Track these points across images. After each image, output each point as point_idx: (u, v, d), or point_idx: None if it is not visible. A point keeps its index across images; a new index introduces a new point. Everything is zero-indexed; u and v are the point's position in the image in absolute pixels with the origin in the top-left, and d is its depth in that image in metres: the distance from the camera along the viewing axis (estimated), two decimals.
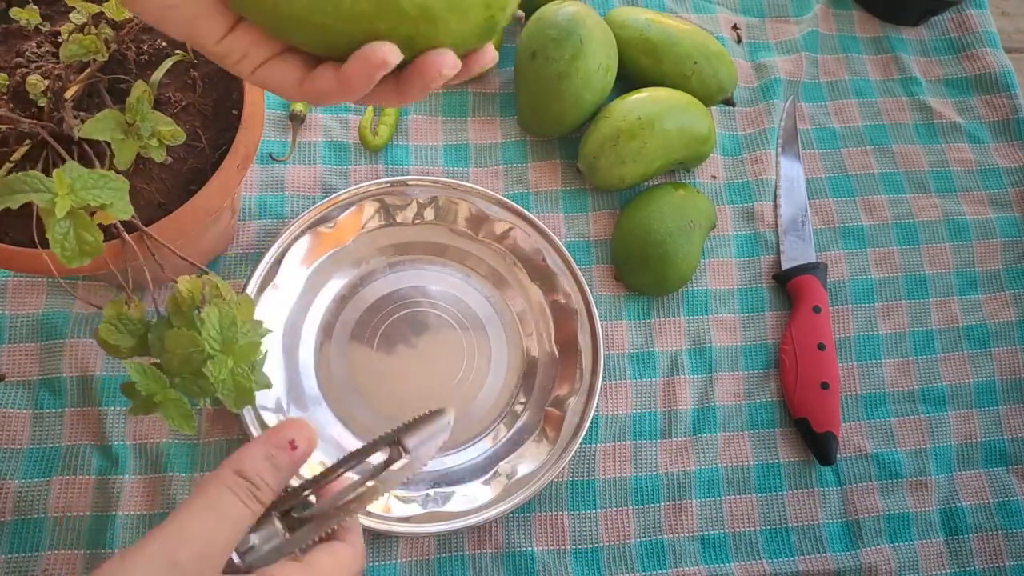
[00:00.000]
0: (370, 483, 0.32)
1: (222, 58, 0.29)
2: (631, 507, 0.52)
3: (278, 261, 0.53)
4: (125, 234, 0.39)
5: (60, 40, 0.43)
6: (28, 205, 0.39)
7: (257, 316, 0.51)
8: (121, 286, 0.39)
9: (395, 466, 0.33)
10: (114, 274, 0.40)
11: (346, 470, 0.33)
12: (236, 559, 0.29)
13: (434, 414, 0.35)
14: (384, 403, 0.52)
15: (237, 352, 0.35)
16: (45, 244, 0.39)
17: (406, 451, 0.33)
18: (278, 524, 0.31)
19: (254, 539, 0.30)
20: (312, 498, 0.32)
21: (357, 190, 0.55)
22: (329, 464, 0.33)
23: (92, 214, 0.33)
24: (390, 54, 0.26)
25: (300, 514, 0.31)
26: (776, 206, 0.62)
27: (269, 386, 0.38)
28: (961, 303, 0.60)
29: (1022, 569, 0.54)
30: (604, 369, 0.54)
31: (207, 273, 0.38)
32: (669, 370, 0.56)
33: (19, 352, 0.50)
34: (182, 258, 0.40)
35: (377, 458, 0.33)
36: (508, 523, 0.51)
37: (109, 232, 0.38)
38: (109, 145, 0.41)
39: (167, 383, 0.35)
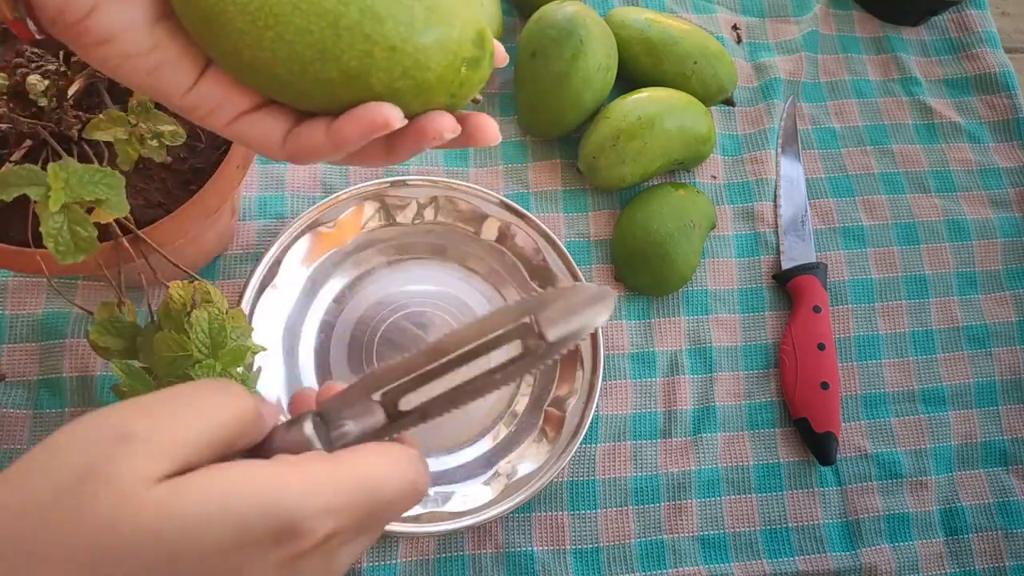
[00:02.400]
0: (498, 375, 0.26)
1: (190, 111, 0.26)
2: (631, 507, 0.52)
3: (278, 261, 0.53)
4: (120, 235, 0.39)
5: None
6: (25, 204, 0.39)
7: (257, 316, 0.51)
8: (129, 287, 0.39)
9: (527, 358, 0.26)
10: (117, 274, 0.40)
11: (467, 360, 0.26)
12: (317, 444, 0.25)
13: (578, 286, 0.26)
14: None
15: (224, 357, 0.35)
16: (39, 243, 0.39)
17: (544, 339, 0.25)
18: (378, 408, 0.25)
19: (348, 421, 0.25)
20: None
21: (357, 190, 0.55)
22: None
23: (89, 212, 0.33)
24: (394, 118, 0.25)
25: (405, 403, 0.26)
26: (776, 206, 0.62)
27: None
28: (961, 303, 0.60)
29: (1022, 569, 0.54)
30: (604, 369, 0.54)
31: (198, 280, 0.38)
32: (669, 370, 0.56)
33: (19, 352, 0.50)
34: (173, 264, 0.40)
35: (509, 349, 0.26)
36: (508, 523, 0.51)
37: (104, 234, 0.38)
38: (108, 145, 0.41)
39: (152, 384, 0.35)
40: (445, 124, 0.26)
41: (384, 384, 0.26)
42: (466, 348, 0.26)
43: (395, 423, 0.26)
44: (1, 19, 0.24)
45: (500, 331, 0.26)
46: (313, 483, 0.21)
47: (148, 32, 0.24)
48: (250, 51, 0.24)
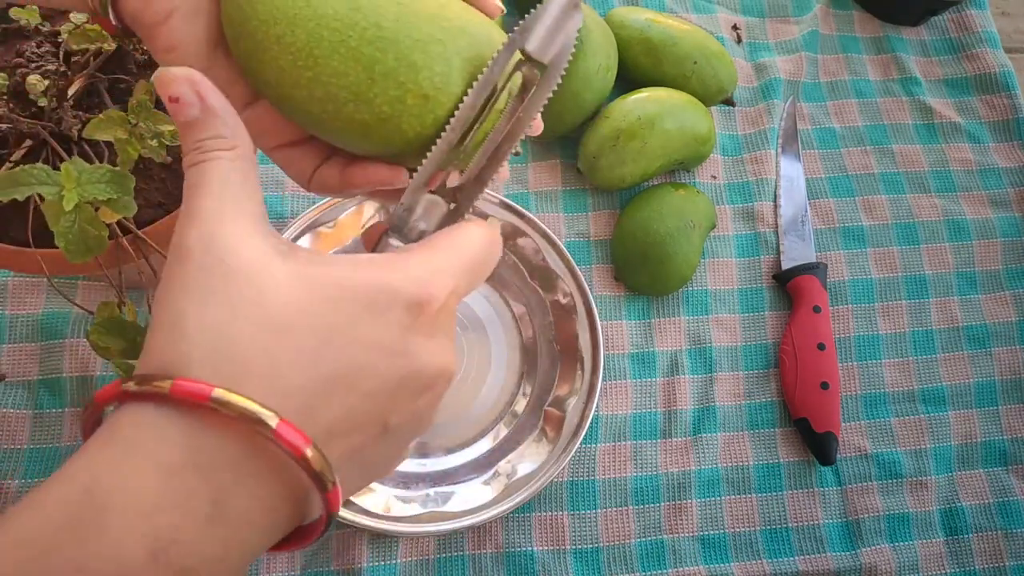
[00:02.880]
0: (518, 114, 0.27)
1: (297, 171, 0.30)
2: (631, 507, 0.52)
3: None
4: (120, 234, 0.39)
5: (60, 40, 0.43)
6: (25, 204, 0.39)
7: None
8: (129, 287, 0.39)
9: (535, 87, 0.27)
10: (117, 274, 0.40)
11: (480, 115, 0.27)
12: (395, 243, 0.27)
13: (545, 3, 0.27)
14: None
15: None
16: (39, 243, 0.39)
17: (538, 60, 0.27)
18: (434, 197, 0.27)
19: (419, 221, 0.27)
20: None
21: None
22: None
23: (96, 210, 0.33)
24: (397, 180, 0.28)
25: (452, 180, 0.27)
26: (776, 206, 0.62)
27: None
28: (961, 303, 0.60)
29: (1022, 569, 0.54)
30: (604, 369, 0.54)
31: None
32: (669, 370, 0.56)
33: (19, 352, 0.50)
34: None
35: (511, 82, 0.27)
36: (508, 523, 0.51)
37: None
38: (108, 145, 0.41)
39: None
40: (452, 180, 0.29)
41: (429, 175, 0.27)
42: (477, 101, 0.27)
43: (459, 203, 0.27)
44: (90, 10, 0.26)
45: (498, 77, 0.27)
46: (427, 259, 0.24)
47: (207, 52, 0.28)
48: (289, 88, 0.26)
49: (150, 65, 0.44)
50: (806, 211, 0.61)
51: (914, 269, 0.61)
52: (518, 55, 0.27)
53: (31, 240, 0.39)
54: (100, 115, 0.36)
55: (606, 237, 0.59)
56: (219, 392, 0.19)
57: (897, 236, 0.62)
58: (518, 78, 0.27)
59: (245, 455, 0.20)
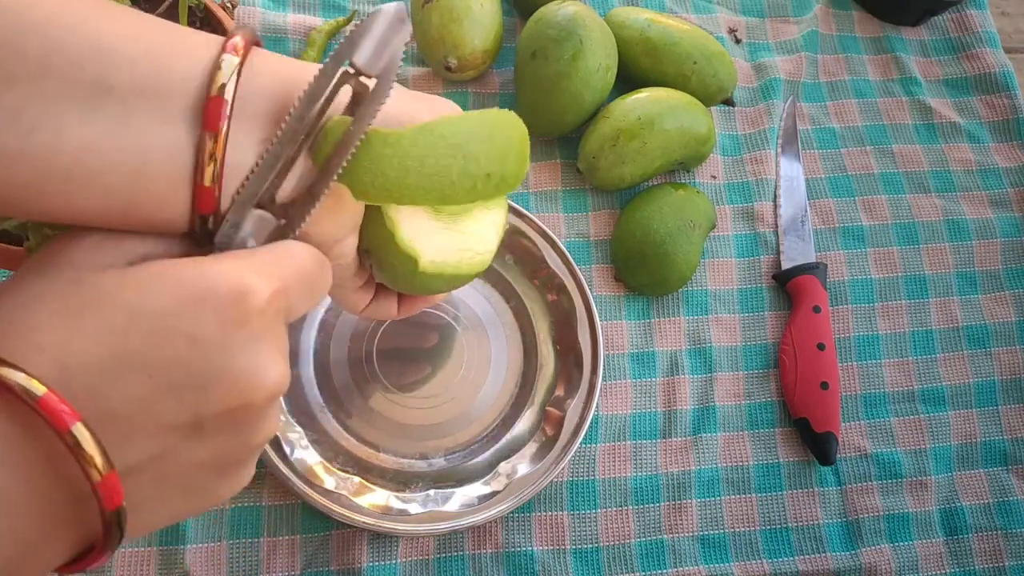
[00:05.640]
0: (349, 127, 0.26)
1: (350, 306, 0.36)
2: (631, 507, 0.52)
3: None
4: None
5: None
6: None
7: None
8: None
9: (368, 97, 0.26)
10: None
11: (312, 128, 0.26)
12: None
13: (372, 16, 0.27)
14: (385, 403, 0.52)
15: None
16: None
17: (365, 73, 0.26)
18: (263, 213, 0.26)
19: (248, 238, 0.26)
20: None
21: None
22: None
23: None
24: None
25: (282, 194, 0.26)
26: (776, 206, 0.62)
27: None
28: (961, 303, 0.60)
29: (1022, 569, 0.54)
30: (604, 369, 0.54)
31: None
32: (669, 370, 0.56)
33: None
34: None
35: (342, 98, 0.27)
36: (508, 523, 0.51)
37: None
38: None
39: None
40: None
41: (255, 193, 0.26)
42: (306, 113, 0.26)
43: (289, 219, 0.26)
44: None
45: (327, 89, 0.26)
46: (251, 258, 0.24)
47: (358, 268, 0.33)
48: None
49: None
50: (806, 211, 0.61)
51: (914, 269, 0.61)
52: (346, 67, 0.26)
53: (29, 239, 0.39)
54: None
55: (606, 237, 0.59)
56: None
57: (897, 236, 0.62)
58: (347, 91, 0.26)
59: (14, 431, 0.19)
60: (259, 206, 0.26)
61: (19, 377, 0.19)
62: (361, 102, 0.26)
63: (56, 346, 0.20)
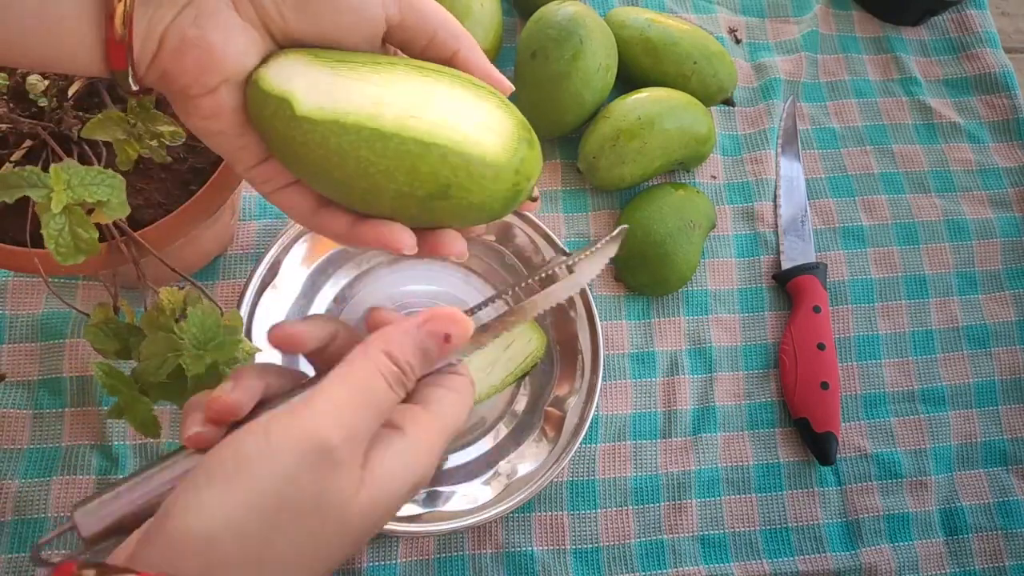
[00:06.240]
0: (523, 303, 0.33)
1: (250, 180, 0.32)
2: (631, 507, 0.52)
3: (278, 261, 0.53)
4: (117, 236, 0.39)
5: None
6: (24, 205, 0.39)
7: (257, 316, 0.51)
8: (128, 287, 0.39)
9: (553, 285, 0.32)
10: (111, 276, 0.40)
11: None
12: None
13: (600, 244, 0.35)
14: None
15: (215, 351, 0.34)
16: (37, 243, 0.39)
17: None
18: None
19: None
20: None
21: None
22: None
23: (89, 212, 0.33)
24: (407, 247, 0.30)
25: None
26: (776, 206, 0.62)
27: None
28: (961, 303, 0.60)
29: (1022, 569, 0.54)
30: (604, 369, 0.54)
31: (189, 284, 0.38)
32: (669, 370, 0.56)
33: (19, 352, 0.50)
34: (169, 267, 0.40)
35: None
36: (508, 523, 0.51)
37: (100, 235, 0.38)
38: (108, 145, 0.41)
39: (133, 384, 0.35)
40: (457, 248, 0.33)
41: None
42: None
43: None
44: (105, 78, 0.27)
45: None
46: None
47: (243, 119, 0.29)
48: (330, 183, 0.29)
49: None
50: (806, 211, 0.61)
51: (914, 269, 0.61)
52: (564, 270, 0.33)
53: (29, 240, 0.39)
54: (99, 115, 0.36)
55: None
56: None
57: (897, 236, 0.62)
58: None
59: None
60: None
61: None
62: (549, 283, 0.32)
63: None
